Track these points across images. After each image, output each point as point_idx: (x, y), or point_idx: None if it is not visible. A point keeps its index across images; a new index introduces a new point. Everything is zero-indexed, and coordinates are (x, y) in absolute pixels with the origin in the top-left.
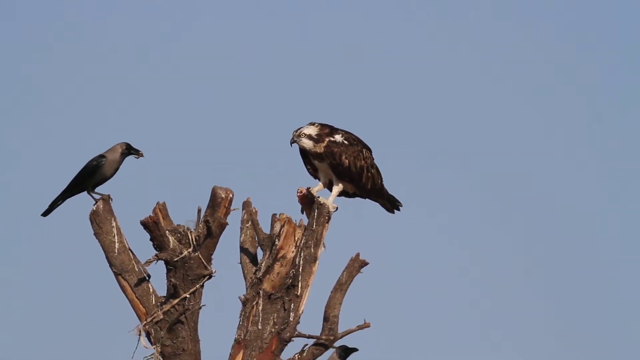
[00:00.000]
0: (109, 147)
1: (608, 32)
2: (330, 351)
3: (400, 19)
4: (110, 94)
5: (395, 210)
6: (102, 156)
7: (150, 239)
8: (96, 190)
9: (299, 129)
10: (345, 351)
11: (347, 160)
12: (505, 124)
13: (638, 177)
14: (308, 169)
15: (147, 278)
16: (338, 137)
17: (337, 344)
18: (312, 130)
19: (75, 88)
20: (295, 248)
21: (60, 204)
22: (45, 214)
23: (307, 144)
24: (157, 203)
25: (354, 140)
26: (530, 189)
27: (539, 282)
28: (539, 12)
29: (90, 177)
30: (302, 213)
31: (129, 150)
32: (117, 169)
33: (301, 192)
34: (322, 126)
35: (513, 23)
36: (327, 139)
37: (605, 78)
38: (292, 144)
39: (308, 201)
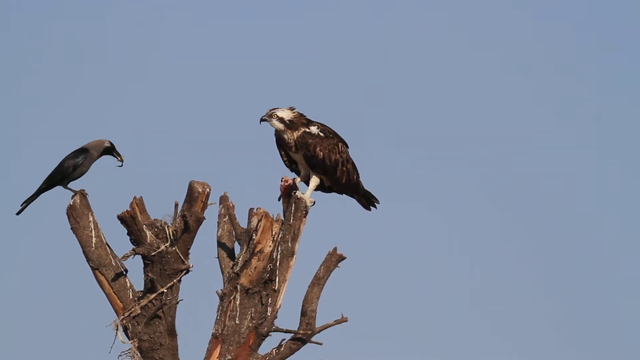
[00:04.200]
0: (89, 141)
1: (610, 31)
2: None
3: (403, 17)
4: (85, 90)
5: (371, 207)
6: (83, 151)
7: (128, 234)
8: (70, 185)
9: (273, 108)
10: None
11: (321, 153)
12: (507, 121)
13: None
14: (284, 161)
15: (124, 273)
16: (313, 129)
17: (315, 338)
18: (286, 114)
19: (50, 85)
20: (272, 242)
21: (34, 200)
22: (19, 212)
23: (278, 126)
24: (134, 197)
25: (329, 133)
26: (536, 186)
27: (518, 275)
28: (542, 11)
29: (68, 174)
30: (279, 200)
31: (111, 150)
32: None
33: (287, 181)
34: (300, 115)
35: (516, 22)
36: (302, 129)
37: (609, 78)
38: (262, 122)
39: (289, 192)
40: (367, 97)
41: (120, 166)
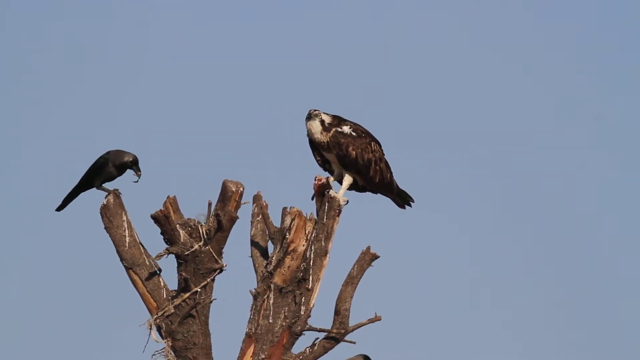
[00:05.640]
0: (119, 148)
1: (610, 31)
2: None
3: (403, 17)
4: (120, 89)
5: (406, 206)
6: (108, 153)
7: (161, 233)
8: (104, 185)
9: (317, 110)
10: None
11: (354, 152)
12: (508, 121)
13: None
14: (317, 161)
15: (157, 272)
16: (346, 129)
17: (349, 337)
18: (327, 118)
19: (80, 84)
20: (305, 242)
21: (74, 198)
22: (59, 209)
23: (316, 127)
24: (168, 197)
25: (362, 132)
26: (541, 186)
27: (548, 277)
28: (542, 11)
29: (96, 174)
30: (312, 200)
31: (132, 164)
32: (119, 174)
33: (320, 180)
34: (334, 117)
35: (516, 22)
36: (333, 129)
37: (609, 78)
38: (307, 120)
39: (323, 191)
40: (367, 97)
41: (136, 182)
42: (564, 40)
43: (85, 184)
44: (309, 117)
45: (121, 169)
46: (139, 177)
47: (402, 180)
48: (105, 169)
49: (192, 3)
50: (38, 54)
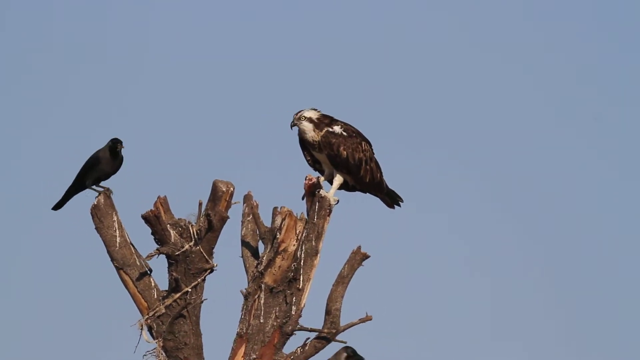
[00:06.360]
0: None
1: (610, 31)
2: (337, 345)
3: (403, 17)
4: (110, 89)
5: (395, 206)
6: (98, 152)
7: (152, 233)
8: (100, 184)
9: (299, 111)
10: (354, 354)
11: (345, 152)
12: (507, 121)
13: None
14: (308, 160)
15: (148, 272)
16: (337, 128)
17: (340, 337)
18: (313, 114)
19: (75, 84)
20: (296, 241)
21: (70, 198)
22: (55, 207)
23: (307, 127)
24: (158, 197)
25: (353, 132)
26: (532, 184)
27: (540, 277)
28: (542, 11)
29: (89, 172)
30: (303, 199)
31: (114, 145)
32: (116, 166)
33: (310, 179)
34: (323, 115)
35: (516, 22)
36: (325, 129)
37: (609, 78)
38: (293, 127)
39: (313, 190)
40: (367, 98)
41: (119, 148)
42: (564, 40)
43: (80, 182)
44: (293, 126)
45: (114, 154)
46: (122, 146)
47: (395, 180)
48: (97, 167)
49: (191, 3)
50: (38, 54)
